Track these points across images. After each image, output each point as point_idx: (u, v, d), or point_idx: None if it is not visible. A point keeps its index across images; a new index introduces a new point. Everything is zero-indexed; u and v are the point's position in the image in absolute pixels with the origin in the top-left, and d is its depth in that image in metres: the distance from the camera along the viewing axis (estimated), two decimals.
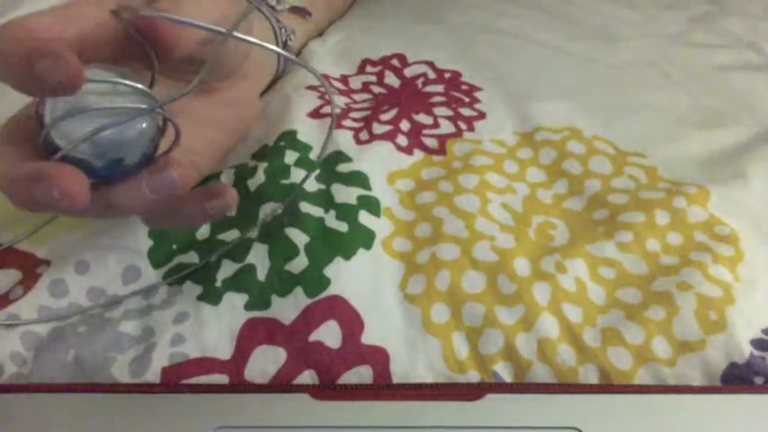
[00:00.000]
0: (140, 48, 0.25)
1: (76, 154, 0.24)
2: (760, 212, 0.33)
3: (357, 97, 0.43)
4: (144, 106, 0.24)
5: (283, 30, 0.43)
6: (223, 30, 0.23)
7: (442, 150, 0.38)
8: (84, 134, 0.24)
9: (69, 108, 0.24)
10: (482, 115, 0.41)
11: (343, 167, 0.36)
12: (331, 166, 0.36)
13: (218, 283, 0.31)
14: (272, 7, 0.43)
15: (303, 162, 0.36)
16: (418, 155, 0.38)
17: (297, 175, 0.35)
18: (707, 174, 0.36)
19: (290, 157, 0.36)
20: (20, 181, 0.23)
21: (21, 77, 0.22)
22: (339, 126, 0.39)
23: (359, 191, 0.34)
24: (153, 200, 0.26)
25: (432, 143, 0.38)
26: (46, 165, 0.23)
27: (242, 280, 0.31)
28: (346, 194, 0.34)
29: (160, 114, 0.25)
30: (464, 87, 0.43)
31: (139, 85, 0.25)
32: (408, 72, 0.45)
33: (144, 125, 0.25)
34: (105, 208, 0.26)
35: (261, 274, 0.31)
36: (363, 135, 0.38)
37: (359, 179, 0.35)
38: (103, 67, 0.25)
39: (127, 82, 0.24)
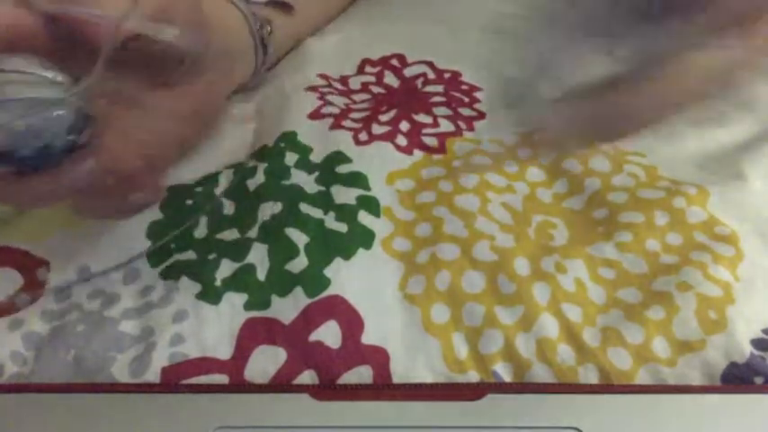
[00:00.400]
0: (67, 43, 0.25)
1: None
2: (760, 213, 0.33)
3: (356, 98, 0.43)
4: (59, 96, 0.25)
5: (258, 21, 0.42)
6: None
7: (442, 149, 0.38)
8: None
9: None
10: (482, 115, 0.41)
11: (342, 168, 0.36)
12: (330, 168, 0.36)
13: (218, 283, 0.31)
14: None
15: (303, 163, 0.36)
16: (418, 154, 0.38)
17: (297, 176, 0.35)
18: (706, 173, 0.36)
19: (291, 158, 0.36)
20: None
21: None
22: (338, 127, 0.39)
23: (358, 191, 0.34)
24: (73, 188, 0.26)
25: (431, 142, 0.38)
26: None
27: (241, 280, 0.31)
28: (346, 195, 0.34)
29: (74, 103, 0.25)
30: (464, 87, 0.43)
31: (50, 75, 0.25)
32: (408, 72, 0.45)
33: (60, 113, 0.25)
34: (32, 197, 0.26)
35: (261, 274, 0.31)
36: (363, 136, 0.38)
37: (358, 180, 0.35)
38: (25, 59, 0.25)
39: (36, 71, 0.25)
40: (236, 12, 0.41)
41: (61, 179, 0.26)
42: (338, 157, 0.36)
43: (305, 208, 0.33)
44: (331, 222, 0.33)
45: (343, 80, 0.45)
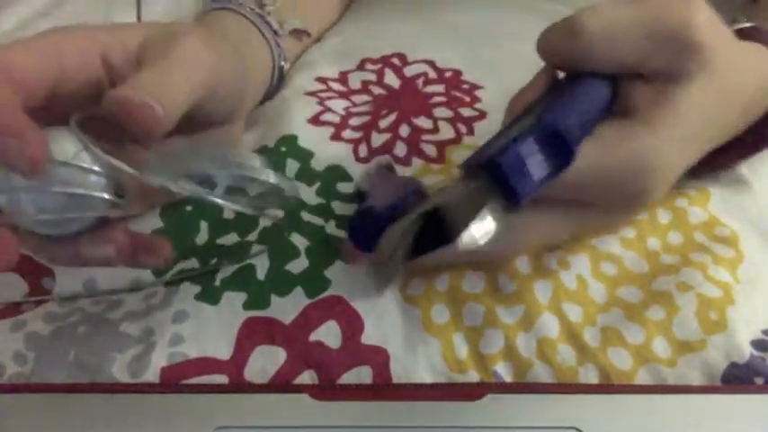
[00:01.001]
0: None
1: (22, 222, 0.24)
2: (760, 214, 0.33)
3: (356, 99, 0.43)
4: (99, 195, 0.24)
5: (282, 55, 0.43)
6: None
7: (441, 159, 0.38)
8: (32, 214, 0.23)
9: (14, 180, 0.23)
10: (482, 115, 0.41)
11: (342, 187, 0.36)
12: (331, 182, 0.36)
13: (217, 283, 0.31)
14: (275, 31, 0.43)
15: (304, 173, 0.36)
16: (417, 163, 0.37)
17: (298, 187, 0.35)
18: (706, 179, 0.36)
19: (292, 167, 0.36)
20: None
21: None
22: (338, 138, 0.39)
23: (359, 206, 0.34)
24: (87, 263, 0.26)
25: (430, 151, 0.38)
26: None
27: (241, 279, 0.31)
28: (347, 209, 0.34)
29: (113, 202, 0.25)
30: (465, 86, 0.43)
31: (99, 170, 0.24)
32: (408, 71, 0.45)
33: (99, 212, 0.25)
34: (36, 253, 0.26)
35: (260, 274, 0.31)
36: (362, 150, 0.38)
37: (358, 197, 0.35)
38: (72, 132, 0.24)
39: (86, 166, 0.24)
40: (266, 48, 0.42)
41: (78, 254, 0.26)
42: (339, 173, 0.36)
43: (306, 216, 0.34)
44: (332, 229, 0.33)
45: (342, 77, 0.45)
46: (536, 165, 0.24)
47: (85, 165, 0.24)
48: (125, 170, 0.23)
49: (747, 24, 0.33)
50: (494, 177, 0.24)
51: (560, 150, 0.25)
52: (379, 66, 0.45)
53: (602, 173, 0.27)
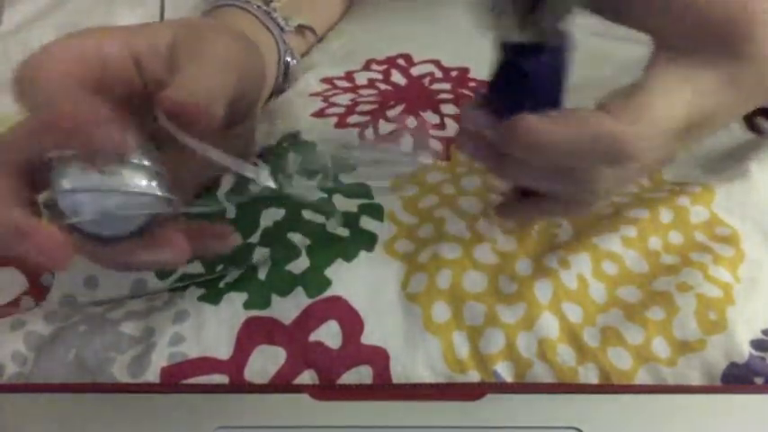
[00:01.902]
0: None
1: (76, 223, 0.24)
2: (764, 213, 0.33)
3: (363, 92, 0.43)
4: (155, 192, 0.24)
5: (288, 51, 0.43)
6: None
7: (446, 156, 0.38)
8: (88, 212, 0.23)
9: (78, 180, 0.23)
10: None
11: (345, 177, 0.36)
12: (333, 173, 0.36)
13: (221, 285, 0.31)
14: (282, 28, 0.43)
15: (306, 167, 0.36)
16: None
17: (299, 182, 0.35)
18: (711, 175, 0.36)
19: (294, 161, 0.36)
20: (3, 228, 0.22)
21: (65, 134, 0.22)
22: (344, 125, 0.39)
23: (361, 201, 0.34)
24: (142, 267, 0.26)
25: (436, 147, 0.38)
26: (29, 224, 0.22)
27: (242, 279, 0.31)
28: (348, 204, 0.34)
29: (169, 201, 0.25)
30: (471, 84, 0.43)
31: (152, 165, 0.24)
32: (415, 71, 0.45)
33: (151, 211, 0.25)
34: (93, 258, 0.26)
35: (261, 274, 0.31)
36: (369, 134, 0.38)
37: (361, 191, 0.35)
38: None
39: (147, 164, 0.24)
40: (272, 43, 0.42)
41: (132, 259, 0.25)
42: (341, 163, 0.36)
43: (307, 215, 0.33)
44: (333, 227, 0.33)
45: (348, 76, 0.45)
46: None
47: (146, 163, 0.24)
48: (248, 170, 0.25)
49: None
50: None
51: None
52: (385, 66, 0.45)
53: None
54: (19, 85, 0.24)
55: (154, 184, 0.24)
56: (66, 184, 0.23)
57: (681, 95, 0.25)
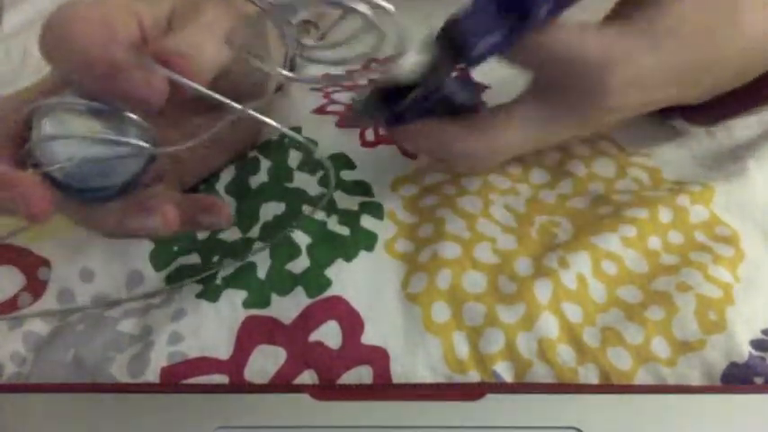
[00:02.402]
0: None
1: (54, 174, 0.24)
2: (763, 212, 0.33)
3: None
4: (136, 142, 0.24)
5: (294, 42, 0.43)
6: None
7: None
8: (65, 160, 0.23)
9: (57, 128, 0.23)
10: None
11: (346, 175, 0.36)
12: (335, 171, 0.36)
13: (218, 281, 0.31)
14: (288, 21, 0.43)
15: (307, 163, 0.36)
16: (423, 158, 0.37)
17: (300, 177, 0.35)
18: (711, 173, 0.36)
19: (294, 157, 0.36)
20: None
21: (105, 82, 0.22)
22: (343, 124, 0.39)
23: (362, 198, 0.34)
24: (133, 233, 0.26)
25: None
26: (13, 174, 0.23)
27: (241, 277, 0.31)
28: (349, 202, 0.34)
29: (150, 153, 0.25)
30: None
31: (137, 118, 0.24)
32: None
33: (135, 160, 0.25)
34: (82, 221, 0.26)
35: (261, 272, 0.31)
36: (369, 134, 0.38)
37: (362, 189, 0.35)
38: None
39: (129, 115, 0.24)
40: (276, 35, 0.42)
41: (120, 221, 0.26)
42: (342, 160, 0.36)
43: (309, 211, 0.33)
44: (334, 225, 0.33)
45: (349, 75, 0.45)
46: (492, 21, 0.26)
47: (133, 116, 0.24)
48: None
49: None
50: (450, 35, 0.27)
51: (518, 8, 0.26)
52: (386, 66, 0.45)
53: (565, 53, 0.27)
54: (50, 41, 0.24)
55: (135, 134, 0.24)
56: (45, 130, 0.23)
57: (532, 128, 0.29)
